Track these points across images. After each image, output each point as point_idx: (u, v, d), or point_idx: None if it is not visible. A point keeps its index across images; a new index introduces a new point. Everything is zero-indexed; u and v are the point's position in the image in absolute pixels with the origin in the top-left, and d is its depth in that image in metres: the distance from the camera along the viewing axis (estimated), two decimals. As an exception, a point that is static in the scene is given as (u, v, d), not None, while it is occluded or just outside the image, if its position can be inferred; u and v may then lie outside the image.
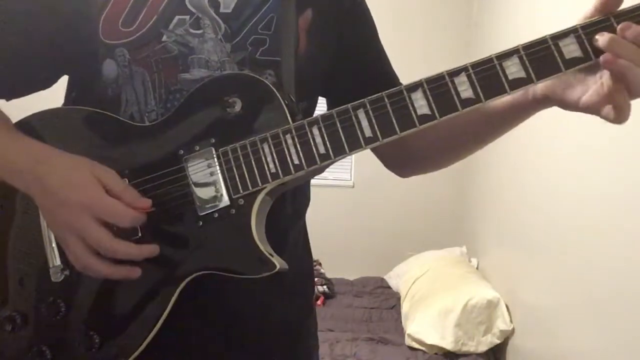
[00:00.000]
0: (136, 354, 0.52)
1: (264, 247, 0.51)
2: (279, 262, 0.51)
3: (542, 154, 1.67)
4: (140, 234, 0.52)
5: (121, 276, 0.50)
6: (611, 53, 0.44)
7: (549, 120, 1.66)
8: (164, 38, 0.56)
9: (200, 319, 0.57)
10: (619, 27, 0.44)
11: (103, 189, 0.49)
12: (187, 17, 0.57)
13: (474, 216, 2.60)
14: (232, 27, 0.58)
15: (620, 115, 0.45)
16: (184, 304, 0.52)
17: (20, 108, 0.61)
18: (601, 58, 0.44)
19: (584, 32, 0.45)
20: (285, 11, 0.59)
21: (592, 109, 0.48)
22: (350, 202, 2.86)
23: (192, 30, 0.57)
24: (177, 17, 0.57)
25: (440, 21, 2.85)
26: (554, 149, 1.58)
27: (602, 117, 0.47)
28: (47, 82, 0.61)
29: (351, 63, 0.65)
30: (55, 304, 0.53)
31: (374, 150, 0.70)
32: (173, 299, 0.52)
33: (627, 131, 1.13)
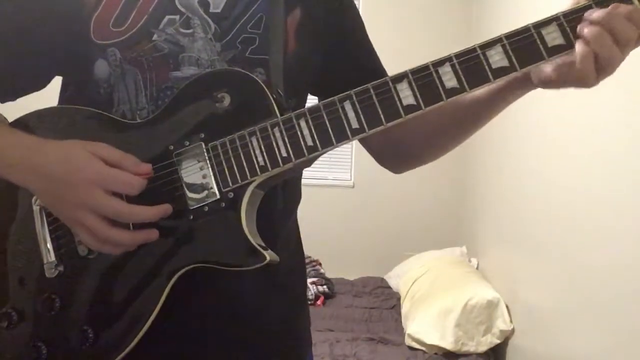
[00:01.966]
0: (129, 348, 0.52)
1: (254, 239, 0.52)
2: (269, 254, 0.51)
3: (543, 154, 1.67)
4: (132, 229, 0.52)
5: (143, 239, 0.51)
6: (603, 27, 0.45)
7: (550, 120, 1.67)
8: (155, 37, 0.57)
9: (191, 314, 0.58)
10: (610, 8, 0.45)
11: (103, 162, 0.50)
12: (177, 16, 0.58)
13: (474, 216, 2.60)
14: (221, 26, 0.58)
15: (581, 76, 0.47)
16: (176, 299, 0.53)
17: (14, 108, 0.61)
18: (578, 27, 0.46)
19: (566, 19, 0.46)
20: (274, 11, 0.59)
21: (563, 80, 0.49)
22: (350, 202, 2.86)
23: (182, 30, 0.58)
24: (167, 17, 0.57)
25: (439, 20, 2.85)
26: (554, 149, 1.58)
27: (569, 84, 0.48)
28: (39, 84, 0.61)
29: (341, 62, 0.65)
30: (50, 300, 0.54)
31: (366, 146, 0.70)
32: (165, 292, 0.52)
33: (628, 131, 1.14)
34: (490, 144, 2.26)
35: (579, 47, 0.46)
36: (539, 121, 1.70)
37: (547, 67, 0.50)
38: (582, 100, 1.35)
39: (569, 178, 1.45)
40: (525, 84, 0.54)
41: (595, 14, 0.45)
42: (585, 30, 0.45)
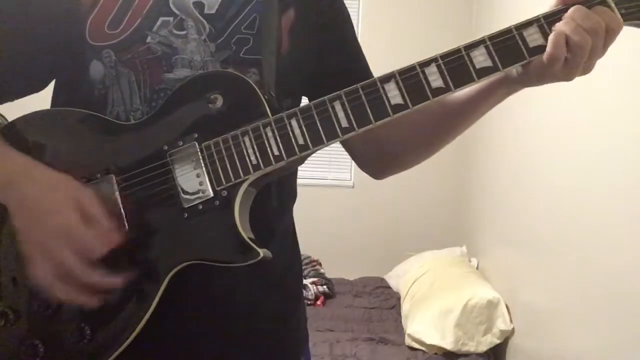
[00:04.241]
0: (126, 344, 0.53)
1: (247, 236, 0.53)
2: (262, 251, 0.52)
3: (542, 154, 1.67)
4: (127, 228, 0.53)
5: (78, 303, 0.51)
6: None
7: (549, 120, 1.67)
8: (149, 39, 0.58)
9: (188, 312, 0.58)
10: (570, 11, 0.47)
11: (79, 215, 0.50)
12: (171, 18, 0.59)
13: (474, 216, 2.60)
14: (216, 27, 0.59)
15: (558, 70, 0.49)
16: (172, 297, 0.53)
17: (14, 108, 0.62)
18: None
19: (546, 21, 0.47)
20: (268, 11, 0.60)
21: (539, 64, 0.50)
22: (350, 202, 2.85)
23: (175, 32, 0.58)
24: (161, 19, 0.58)
25: (440, 22, 2.85)
26: (554, 149, 1.58)
27: (545, 68, 0.50)
28: (36, 86, 0.62)
29: (331, 65, 0.66)
30: (46, 299, 0.54)
31: (350, 151, 0.71)
32: (161, 289, 0.53)
33: (627, 132, 1.14)
34: (490, 144, 2.26)
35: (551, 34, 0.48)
36: (539, 121, 1.70)
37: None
38: (582, 100, 1.35)
39: (569, 177, 1.45)
40: (505, 84, 0.55)
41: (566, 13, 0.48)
42: (556, 23, 0.48)
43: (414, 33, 2.82)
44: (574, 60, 0.48)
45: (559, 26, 0.48)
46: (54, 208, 0.50)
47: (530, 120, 1.77)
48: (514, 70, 0.51)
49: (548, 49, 0.48)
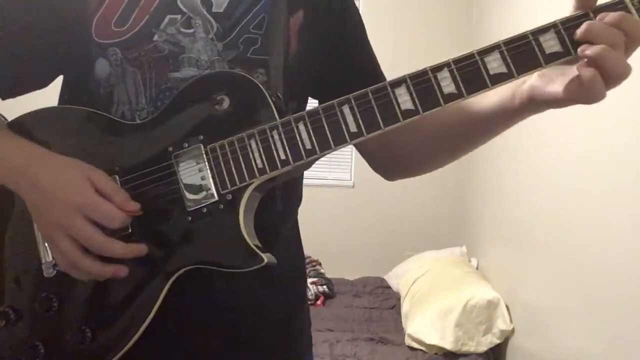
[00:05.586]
0: (127, 347, 0.52)
1: (252, 241, 0.52)
2: (267, 256, 0.51)
3: (543, 154, 1.67)
4: (130, 230, 0.53)
5: (109, 274, 0.51)
6: (589, 39, 0.45)
7: (550, 121, 1.66)
8: (155, 37, 0.57)
9: (190, 315, 0.58)
10: (597, 17, 0.45)
11: (94, 189, 0.50)
12: (179, 16, 0.58)
13: (474, 216, 2.60)
14: (224, 26, 0.58)
15: (591, 96, 0.46)
16: (175, 300, 0.53)
17: (13, 108, 0.61)
18: (578, 49, 0.45)
19: (564, 27, 0.46)
20: (277, 11, 0.60)
21: (571, 99, 0.48)
22: (350, 202, 2.86)
23: (183, 30, 0.58)
24: (168, 17, 0.58)
25: (440, 22, 2.85)
26: (554, 149, 1.57)
27: (577, 102, 0.48)
28: (42, 82, 0.62)
29: (342, 66, 0.65)
30: (48, 300, 0.54)
31: (361, 152, 0.70)
32: (163, 293, 0.52)
33: (628, 133, 1.14)
34: (490, 144, 2.25)
35: (585, 71, 0.45)
36: (540, 121, 1.70)
37: (555, 87, 0.49)
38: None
39: (569, 178, 1.45)
40: (529, 107, 0.53)
41: (586, 31, 0.45)
42: (588, 52, 0.45)
43: (414, 34, 2.81)
44: (611, 84, 0.46)
45: (596, 61, 0.44)
46: (69, 186, 0.50)
47: (531, 120, 1.76)
48: (542, 97, 0.49)
49: (589, 87, 0.45)
